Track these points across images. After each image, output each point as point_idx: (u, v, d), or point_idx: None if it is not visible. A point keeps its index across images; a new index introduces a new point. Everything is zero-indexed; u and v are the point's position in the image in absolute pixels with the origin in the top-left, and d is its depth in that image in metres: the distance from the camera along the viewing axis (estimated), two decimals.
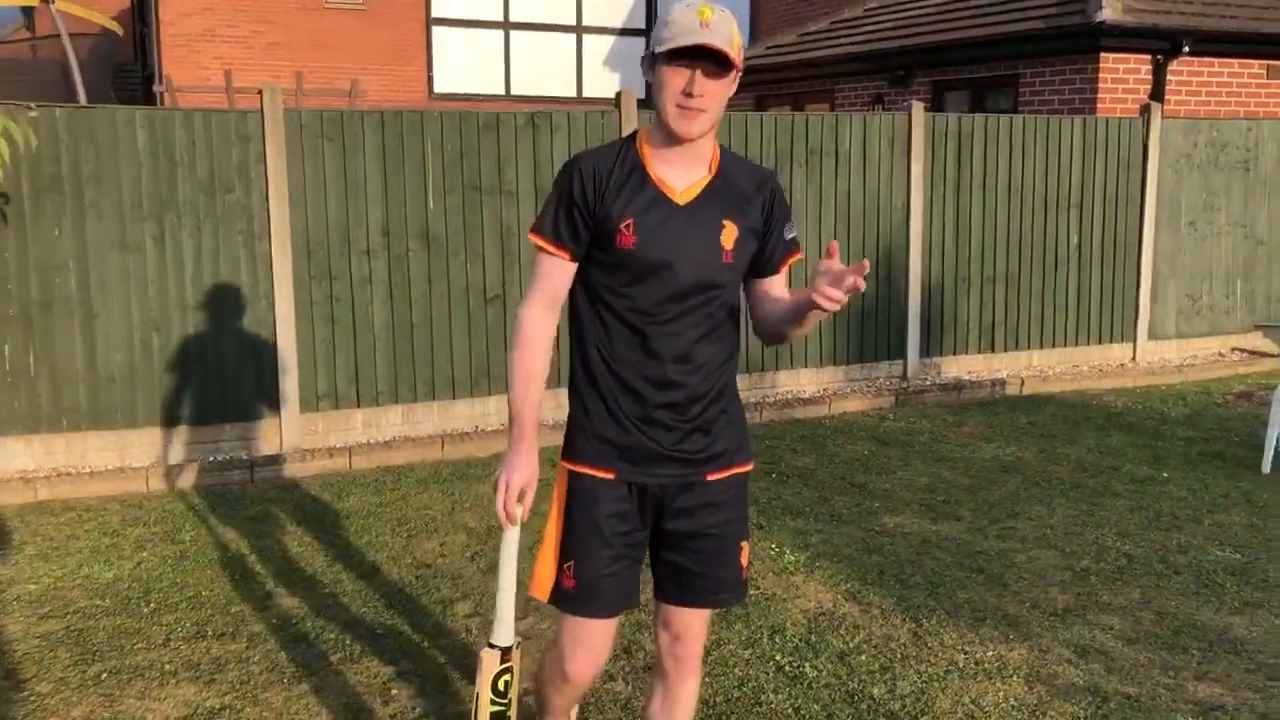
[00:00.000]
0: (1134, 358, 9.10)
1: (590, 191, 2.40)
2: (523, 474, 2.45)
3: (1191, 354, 9.34)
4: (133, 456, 6.29)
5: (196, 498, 5.84)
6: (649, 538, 2.58)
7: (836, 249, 2.25)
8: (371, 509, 5.60)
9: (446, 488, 5.96)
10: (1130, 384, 8.47)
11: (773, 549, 4.94)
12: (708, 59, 2.30)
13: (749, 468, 2.64)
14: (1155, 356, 9.19)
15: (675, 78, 2.32)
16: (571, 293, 2.52)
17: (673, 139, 2.39)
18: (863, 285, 2.18)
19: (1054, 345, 8.85)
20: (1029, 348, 8.77)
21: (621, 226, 2.39)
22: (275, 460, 6.34)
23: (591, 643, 2.54)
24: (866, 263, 2.20)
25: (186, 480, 6.06)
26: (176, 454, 6.37)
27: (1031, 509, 5.51)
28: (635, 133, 2.50)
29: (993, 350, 8.65)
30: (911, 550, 4.93)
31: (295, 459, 6.38)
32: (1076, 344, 8.92)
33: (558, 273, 2.47)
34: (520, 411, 2.47)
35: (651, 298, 2.42)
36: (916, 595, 4.42)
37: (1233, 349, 9.48)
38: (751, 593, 4.43)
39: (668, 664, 2.67)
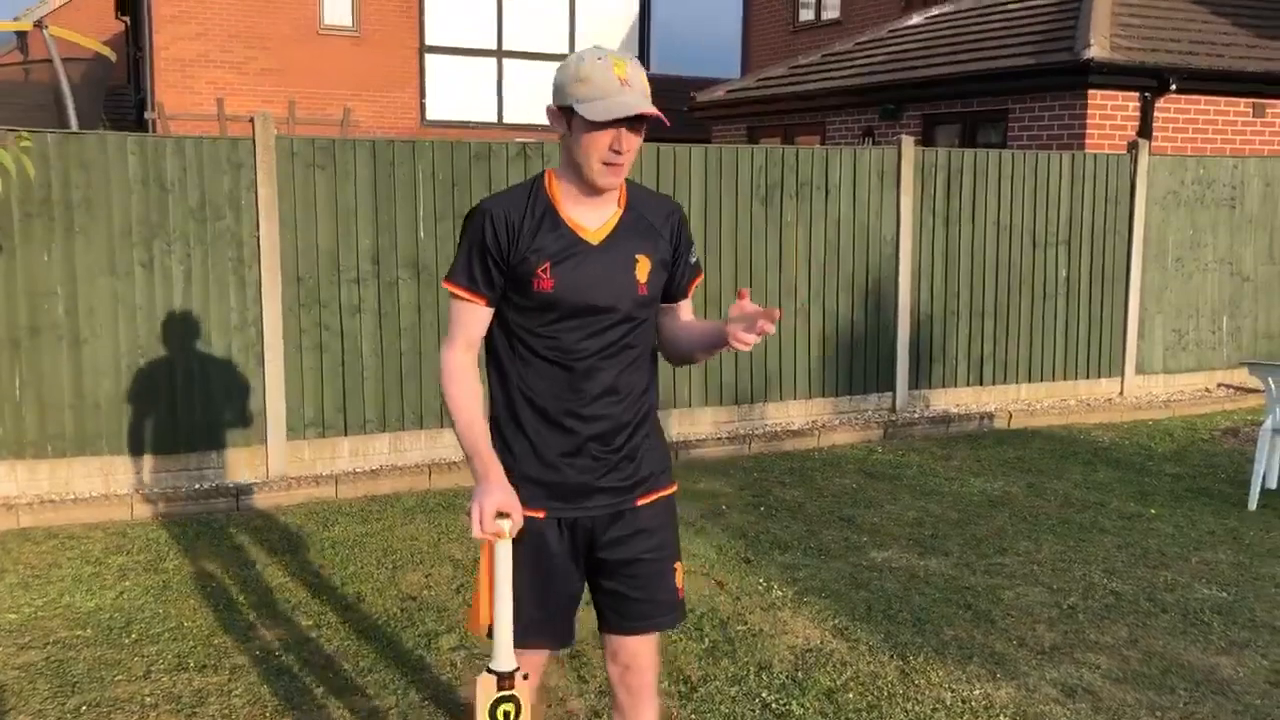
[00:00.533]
0: (1121, 392, 9.13)
1: (504, 237, 2.42)
2: (495, 496, 2.41)
3: (1178, 389, 9.38)
4: (117, 483, 6.25)
5: (181, 526, 5.80)
6: (584, 570, 2.62)
7: (747, 294, 2.34)
8: (357, 539, 5.57)
9: (433, 518, 5.93)
10: (1117, 419, 8.49)
11: (760, 584, 4.92)
12: (635, 119, 2.35)
13: (674, 489, 2.69)
14: (1142, 391, 9.22)
15: (602, 138, 2.36)
16: (489, 335, 2.55)
17: (594, 189, 2.44)
18: (771, 329, 2.28)
19: (1042, 379, 8.87)
20: (1017, 381, 8.79)
21: (539, 270, 2.42)
22: (261, 488, 6.31)
23: (531, 674, 2.58)
24: (778, 310, 2.29)
25: (171, 507, 6.02)
26: (162, 481, 6.33)
27: (1019, 544, 5.50)
28: (542, 173, 2.53)
29: (981, 383, 8.67)
30: (899, 585, 4.92)
31: (281, 487, 6.34)
32: (1064, 378, 8.95)
33: (475, 319, 2.50)
34: (475, 442, 2.47)
35: (573, 336, 2.46)
36: (904, 632, 4.41)
37: (1219, 385, 9.52)
38: (738, 628, 4.42)
39: (621, 695, 2.71)
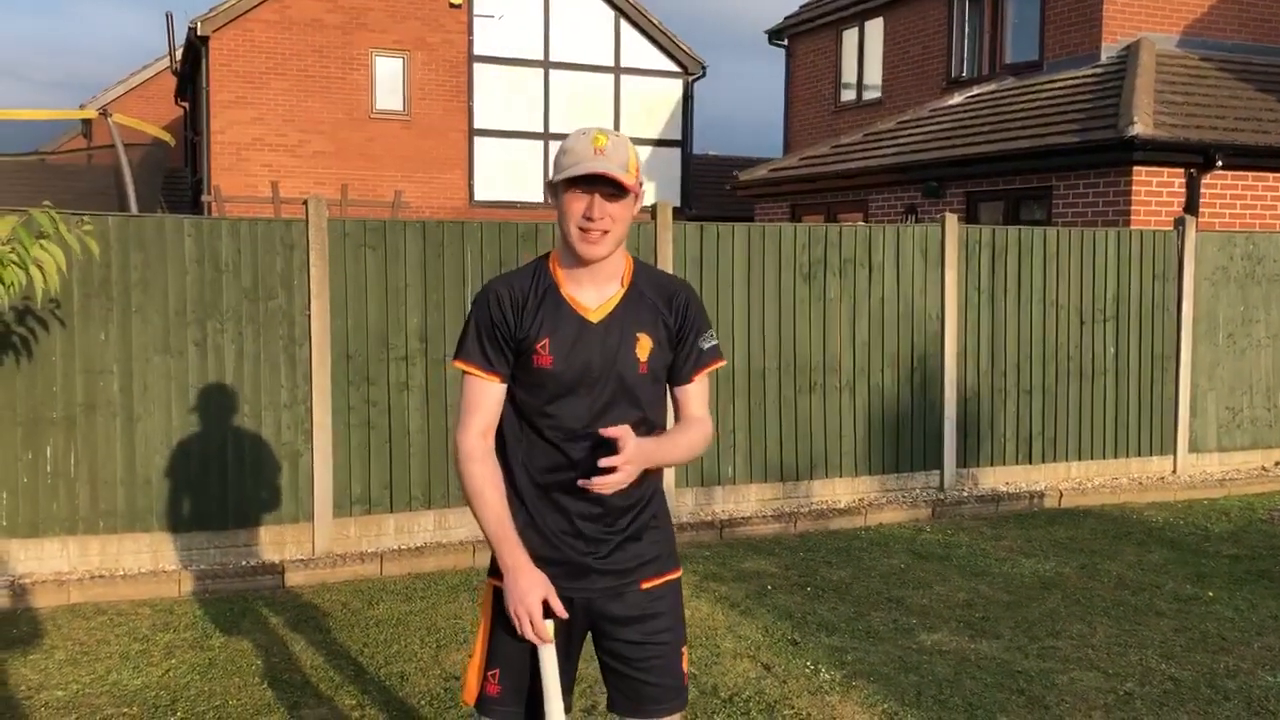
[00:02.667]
0: (1174, 471, 8.96)
1: (510, 314, 2.49)
2: (537, 592, 2.44)
3: (1233, 468, 9.19)
4: (166, 559, 6.30)
5: (227, 602, 5.83)
6: (581, 642, 2.64)
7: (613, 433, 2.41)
8: (401, 617, 5.56)
9: (477, 595, 5.91)
10: (1171, 498, 8.32)
11: (808, 667, 4.84)
12: (605, 184, 2.42)
13: (679, 573, 2.69)
14: (1196, 470, 9.04)
15: (576, 203, 2.44)
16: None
17: (580, 260, 2.49)
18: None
19: (1092, 457, 8.74)
20: (1067, 459, 8.66)
21: (538, 346, 2.48)
22: (306, 565, 6.34)
23: None
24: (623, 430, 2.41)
25: (217, 584, 6.05)
26: (209, 557, 6.38)
27: (1073, 627, 5.38)
28: (547, 254, 2.59)
29: (1030, 461, 8.56)
30: (950, 669, 4.81)
31: (326, 564, 6.37)
32: (1115, 456, 8.81)
33: (490, 397, 2.52)
34: (498, 531, 2.48)
35: (574, 415, 2.49)
36: (956, 718, 4.31)
37: (1276, 463, 9.31)
38: (786, 712, 4.34)
39: None
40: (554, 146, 19.74)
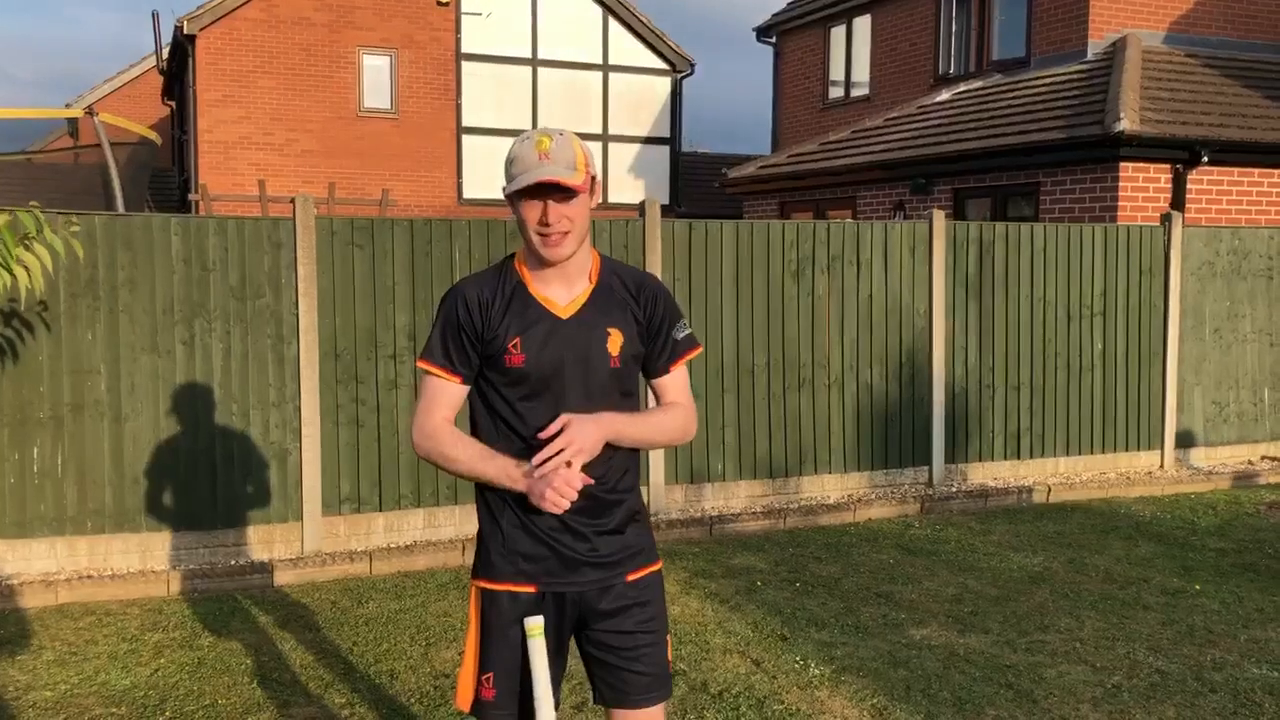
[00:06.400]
0: (1161, 465, 9.00)
1: (477, 315, 2.50)
2: (525, 468, 2.45)
3: (1220, 462, 9.23)
4: (154, 559, 6.28)
5: (216, 602, 5.81)
6: (569, 641, 2.65)
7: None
8: (390, 615, 5.55)
9: (466, 593, 5.89)
10: (1158, 492, 8.36)
11: (797, 662, 4.85)
12: (555, 189, 2.43)
13: (660, 565, 2.72)
14: (1183, 464, 9.08)
15: (530, 211, 2.45)
16: (473, 414, 2.59)
17: (545, 262, 2.50)
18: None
19: (1080, 452, 8.77)
20: (1055, 454, 8.69)
21: (510, 345, 2.49)
22: (296, 564, 6.33)
23: None
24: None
25: (206, 584, 6.04)
26: (198, 556, 6.36)
27: (1060, 621, 5.40)
28: (512, 255, 2.61)
29: (1018, 457, 8.59)
30: (939, 664, 4.83)
31: (315, 563, 6.36)
32: (1103, 451, 8.84)
33: (447, 396, 2.55)
34: (477, 466, 2.49)
35: (549, 411, 2.49)
36: (944, 712, 4.32)
37: (1262, 457, 9.36)
38: (775, 707, 4.35)
39: None
40: None
